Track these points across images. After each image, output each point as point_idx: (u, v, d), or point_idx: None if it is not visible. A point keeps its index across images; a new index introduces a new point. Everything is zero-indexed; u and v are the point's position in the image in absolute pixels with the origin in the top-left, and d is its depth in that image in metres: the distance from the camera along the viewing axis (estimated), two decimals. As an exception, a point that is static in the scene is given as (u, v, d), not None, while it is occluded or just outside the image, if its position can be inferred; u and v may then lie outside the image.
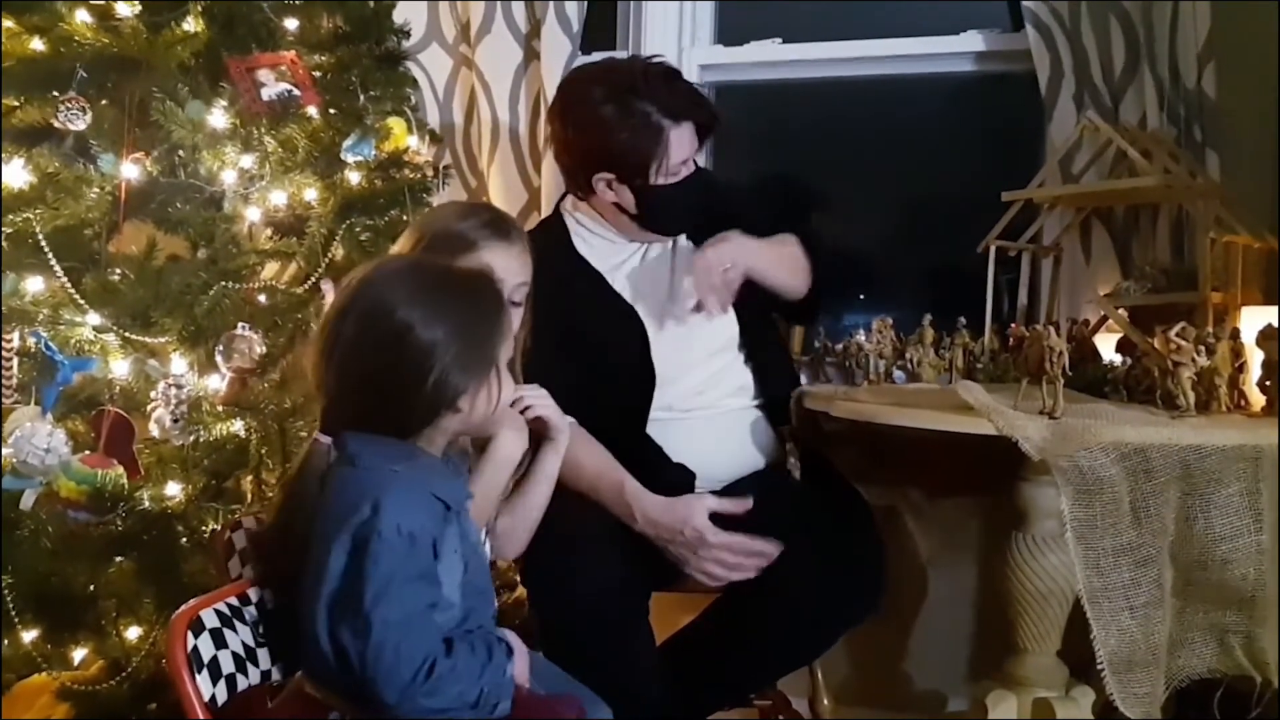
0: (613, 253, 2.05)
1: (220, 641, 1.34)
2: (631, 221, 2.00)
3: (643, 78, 1.90)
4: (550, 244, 2.05)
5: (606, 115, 1.89)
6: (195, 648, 1.30)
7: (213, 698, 1.30)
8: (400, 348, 1.31)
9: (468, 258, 1.60)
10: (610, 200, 1.98)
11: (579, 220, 2.08)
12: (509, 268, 1.66)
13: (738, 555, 1.79)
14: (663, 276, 2.05)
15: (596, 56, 2.75)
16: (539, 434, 1.70)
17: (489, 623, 1.41)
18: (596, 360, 1.96)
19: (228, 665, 1.34)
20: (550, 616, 1.80)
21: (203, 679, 1.29)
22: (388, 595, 1.23)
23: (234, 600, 1.40)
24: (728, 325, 2.01)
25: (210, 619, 1.34)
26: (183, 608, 1.33)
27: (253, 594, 1.42)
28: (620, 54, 2.54)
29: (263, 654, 1.40)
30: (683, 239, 2.08)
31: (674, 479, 1.94)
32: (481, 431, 1.46)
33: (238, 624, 1.38)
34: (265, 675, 1.40)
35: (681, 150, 1.92)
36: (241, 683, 1.35)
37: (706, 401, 2.00)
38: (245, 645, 1.38)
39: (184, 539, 1.91)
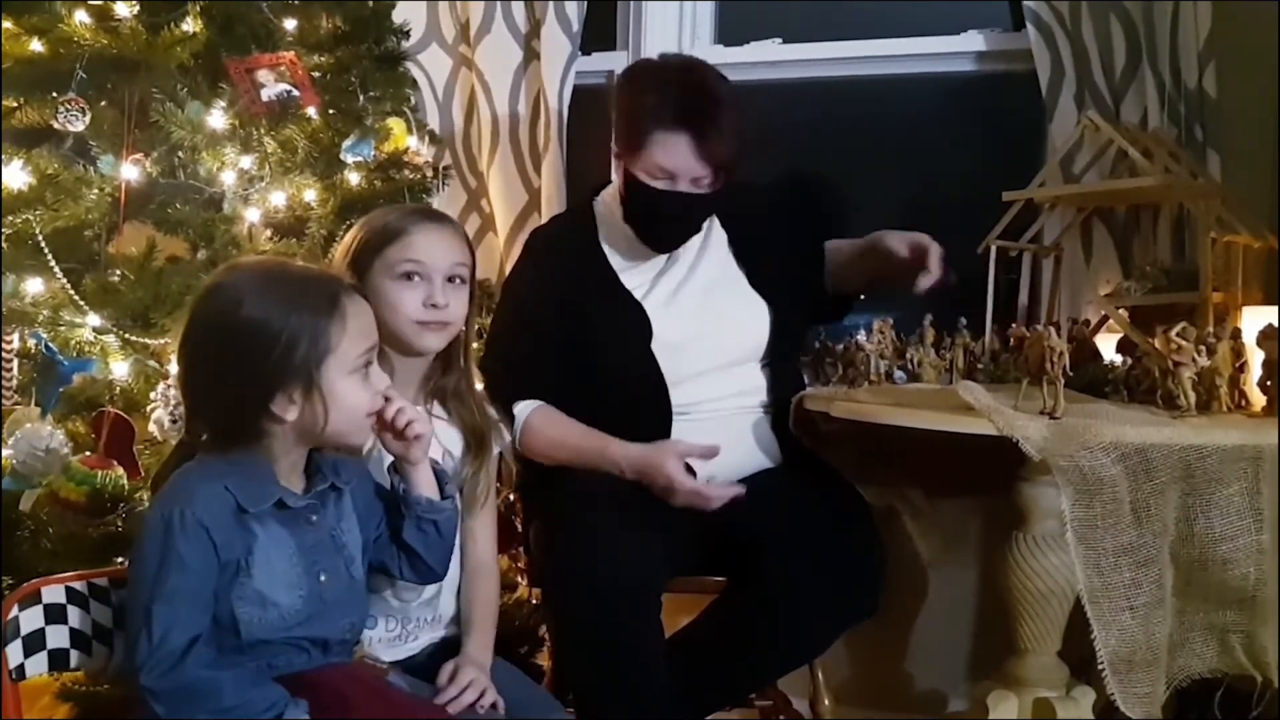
0: (635, 247, 2.02)
1: (58, 617, 1.37)
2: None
3: (660, 72, 1.96)
4: (568, 231, 2.07)
5: (621, 92, 1.97)
6: (15, 618, 1.35)
7: (20, 667, 1.35)
8: (216, 345, 1.32)
9: (399, 244, 1.61)
10: (619, 182, 1.99)
11: (612, 209, 2.05)
12: (440, 246, 1.65)
13: (708, 494, 1.81)
14: (682, 276, 2.04)
15: (596, 57, 2.76)
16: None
17: (342, 632, 1.40)
18: (598, 353, 1.96)
19: (59, 640, 1.38)
20: (564, 612, 1.80)
21: (13, 648, 1.35)
22: (137, 580, 1.29)
23: (103, 581, 1.43)
24: (758, 334, 2.01)
25: (54, 595, 1.38)
26: (30, 582, 1.39)
27: None
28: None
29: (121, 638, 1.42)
30: (719, 249, 2.07)
31: None
32: (341, 441, 1.40)
33: (96, 604, 1.41)
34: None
35: (668, 157, 1.88)
36: (76, 659, 1.39)
37: (714, 404, 1.99)
38: (98, 625, 1.41)
39: (184, 540, 1.91)
